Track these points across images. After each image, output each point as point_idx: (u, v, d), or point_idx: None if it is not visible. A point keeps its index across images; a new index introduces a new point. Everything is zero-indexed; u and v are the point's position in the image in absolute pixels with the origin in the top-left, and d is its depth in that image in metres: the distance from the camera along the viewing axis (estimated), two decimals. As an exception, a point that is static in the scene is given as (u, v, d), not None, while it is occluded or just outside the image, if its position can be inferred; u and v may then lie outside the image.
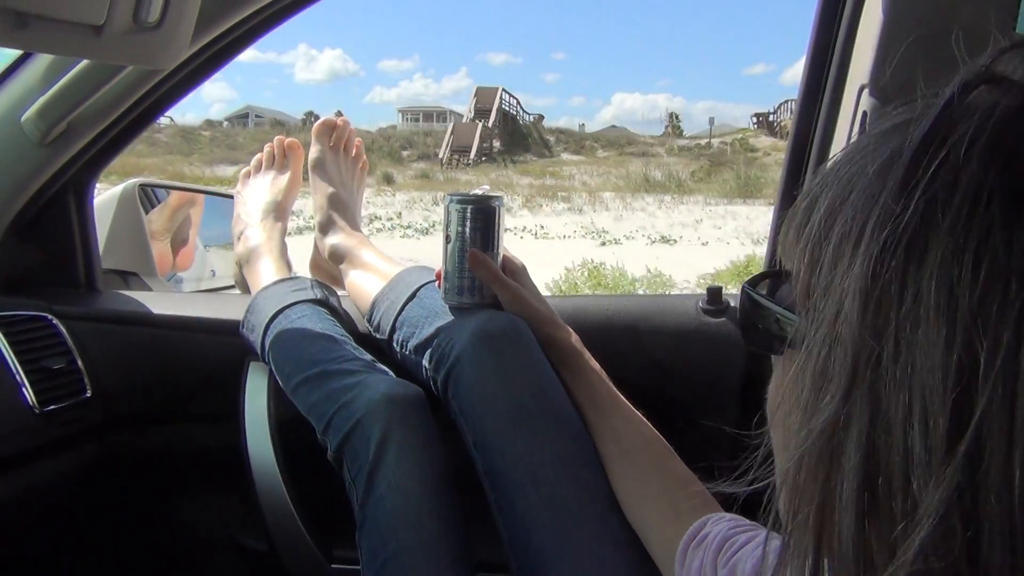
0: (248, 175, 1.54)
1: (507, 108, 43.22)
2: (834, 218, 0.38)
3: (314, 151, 1.48)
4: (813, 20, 1.22)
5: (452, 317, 1.13)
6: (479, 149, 36.68)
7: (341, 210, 1.45)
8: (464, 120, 42.49)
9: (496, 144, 39.12)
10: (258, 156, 1.54)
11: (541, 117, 48.61)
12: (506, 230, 1.18)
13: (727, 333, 1.30)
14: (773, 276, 0.47)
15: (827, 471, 0.36)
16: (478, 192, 1.15)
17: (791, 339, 0.41)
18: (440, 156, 35.99)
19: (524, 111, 46.61)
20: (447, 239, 1.14)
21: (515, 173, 31.77)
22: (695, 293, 1.42)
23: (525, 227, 17.53)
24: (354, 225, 1.45)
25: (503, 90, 42.82)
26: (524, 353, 1.07)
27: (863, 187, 0.37)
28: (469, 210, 1.13)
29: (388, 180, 28.96)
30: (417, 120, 51.95)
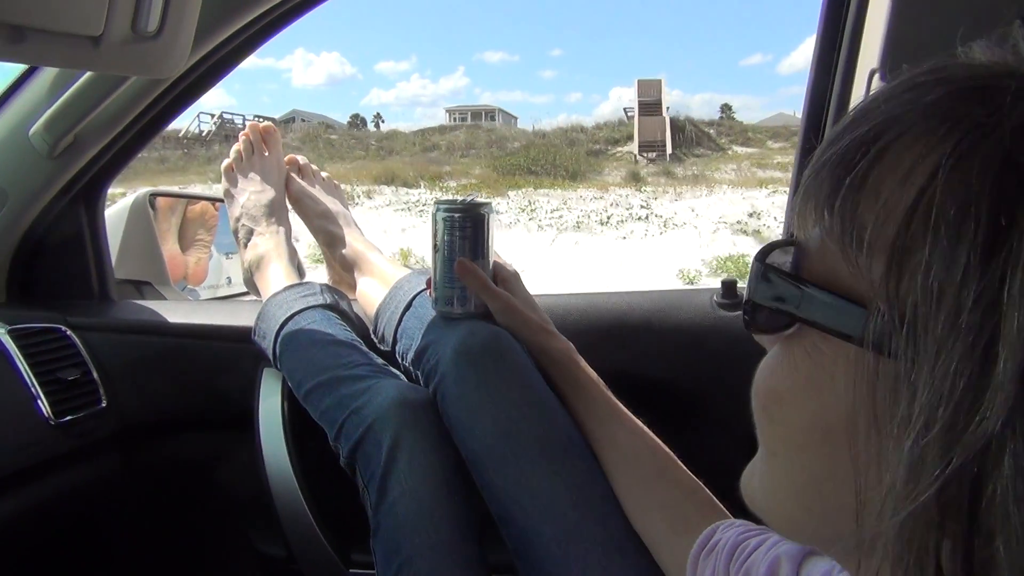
0: (231, 169, 1.53)
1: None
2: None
3: (291, 187, 1.52)
4: (821, 5, 1.20)
5: (440, 330, 1.12)
6: (662, 143, 33.63)
7: (334, 219, 1.48)
8: (629, 114, 40.36)
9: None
10: (236, 147, 1.53)
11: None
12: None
13: (743, 327, 1.29)
14: (784, 246, 0.42)
15: (974, 494, 0.31)
16: (467, 200, 1.13)
17: (869, 335, 0.35)
18: (635, 153, 33.24)
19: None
20: (435, 248, 1.12)
21: (726, 164, 29.84)
22: (709, 288, 1.40)
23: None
24: (350, 224, 1.48)
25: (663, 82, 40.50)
26: (507, 366, 1.05)
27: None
28: (457, 218, 1.10)
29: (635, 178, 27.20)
30: (465, 119, 50.32)
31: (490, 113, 51.83)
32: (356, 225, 1.50)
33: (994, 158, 0.32)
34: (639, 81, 42.07)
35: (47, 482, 1.24)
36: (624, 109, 47.10)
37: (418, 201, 20.47)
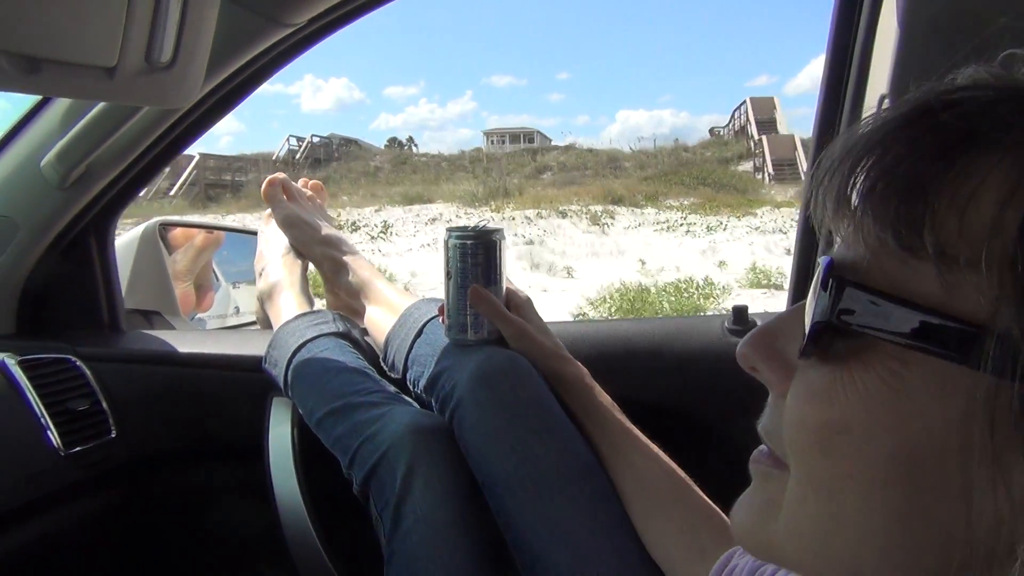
0: (272, 215, 1.54)
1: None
2: None
3: (278, 212, 1.50)
4: (829, 29, 1.21)
5: (455, 356, 1.12)
6: (792, 161, 32.30)
7: (337, 245, 1.46)
8: (726, 130, 39.57)
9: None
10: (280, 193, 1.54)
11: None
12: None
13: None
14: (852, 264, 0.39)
15: None
16: (478, 226, 1.13)
17: (987, 358, 0.33)
18: (766, 171, 32.31)
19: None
20: (448, 275, 1.13)
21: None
22: (720, 314, 1.40)
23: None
24: (353, 251, 1.47)
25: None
26: (525, 391, 1.05)
27: None
28: (469, 245, 1.11)
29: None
30: (504, 141, 49.13)
31: (528, 135, 50.77)
32: (357, 250, 1.50)
33: None
34: (752, 100, 40.82)
35: (56, 513, 1.24)
36: (711, 129, 46.98)
37: (666, 221, 19.70)
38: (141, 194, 1.54)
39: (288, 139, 31.62)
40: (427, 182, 28.30)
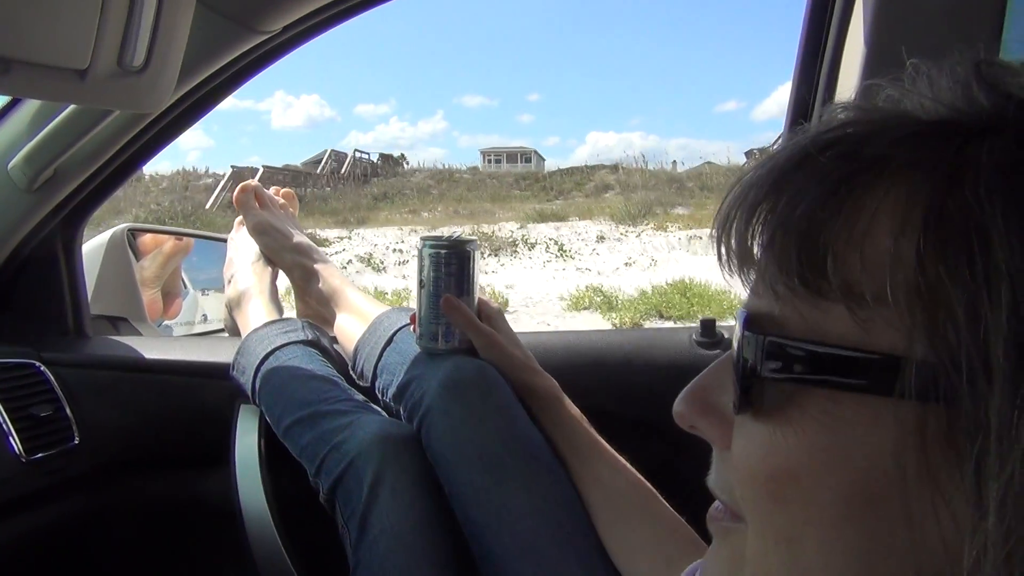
0: (243, 222, 1.54)
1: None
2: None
3: (249, 219, 1.49)
4: (798, 49, 1.22)
5: (425, 365, 1.12)
6: None
7: (308, 253, 1.46)
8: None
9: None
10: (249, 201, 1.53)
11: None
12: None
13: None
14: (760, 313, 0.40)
15: None
16: (452, 236, 1.14)
17: (910, 386, 0.34)
18: None
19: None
20: (420, 284, 1.13)
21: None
22: (688, 326, 1.41)
23: None
24: (324, 259, 1.47)
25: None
26: (493, 400, 1.05)
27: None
28: (442, 255, 1.11)
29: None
30: (500, 161, 48.07)
31: (525, 155, 49.90)
32: (328, 259, 1.49)
33: (987, 188, 0.34)
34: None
35: (17, 521, 1.22)
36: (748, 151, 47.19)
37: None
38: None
39: (329, 153, 30.78)
40: (498, 199, 27.62)
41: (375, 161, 33.10)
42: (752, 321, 0.40)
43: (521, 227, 18.63)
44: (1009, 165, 0.34)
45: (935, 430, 0.34)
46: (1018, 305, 0.32)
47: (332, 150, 31.04)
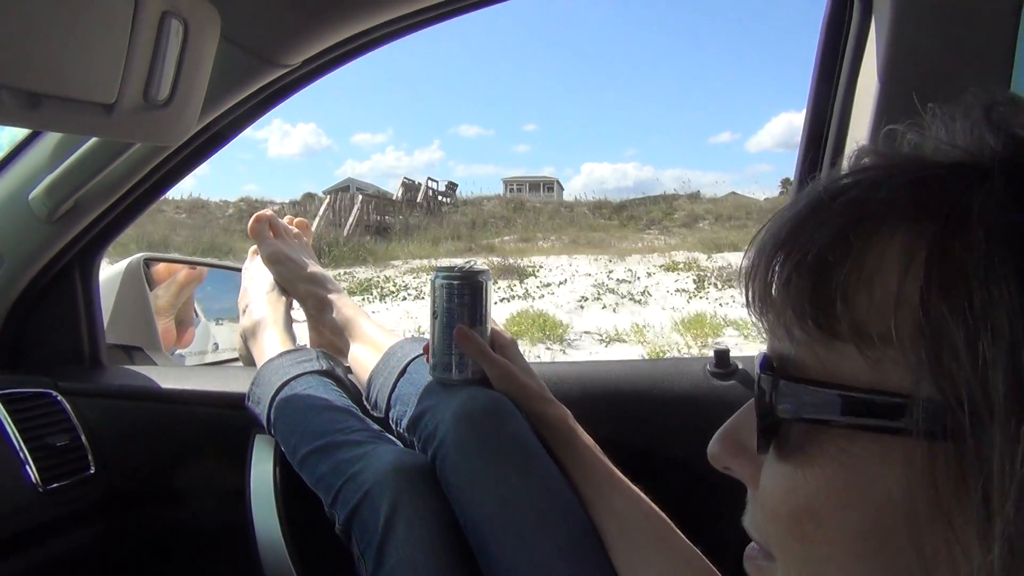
0: (257, 252, 1.55)
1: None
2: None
3: (264, 248, 1.50)
4: (811, 80, 1.23)
5: (438, 395, 1.12)
6: None
7: (322, 283, 1.47)
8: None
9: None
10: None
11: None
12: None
13: (737, 396, 1.30)
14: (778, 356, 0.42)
15: None
16: (465, 266, 1.15)
17: (919, 424, 0.35)
18: None
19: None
20: (434, 315, 1.14)
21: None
22: (702, 356, 1.41)
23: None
24: (338, 289, 1.47)
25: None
26: (507, 431, 1.05)
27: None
28: (456, 285, 1.12)
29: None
30: (522, 190, 47.04)
31: (548, 184, 49.51)
32: (341, 289, 1.50)
33: (986, 228, 0.35)
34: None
35: (33, 550, 1.22)
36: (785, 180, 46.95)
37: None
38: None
39: (404, 181, 30.39)
40: (596, 228, 26.15)
41: (442, 189, 32.73)
42: (770, 363, 0.41)
43: (709, 257, 16.71)
44: (1010, 204, 0.35)
45: (944, 468, 0.34)
46: (1017, 344, 0.32)
47: (404, 178, 30.72)
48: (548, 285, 13.51)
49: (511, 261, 15.88)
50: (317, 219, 23.15)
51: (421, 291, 12.90)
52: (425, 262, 16.59)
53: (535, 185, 48.94)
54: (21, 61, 0.74)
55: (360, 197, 25.16)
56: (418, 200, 29.07)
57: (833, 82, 1.19)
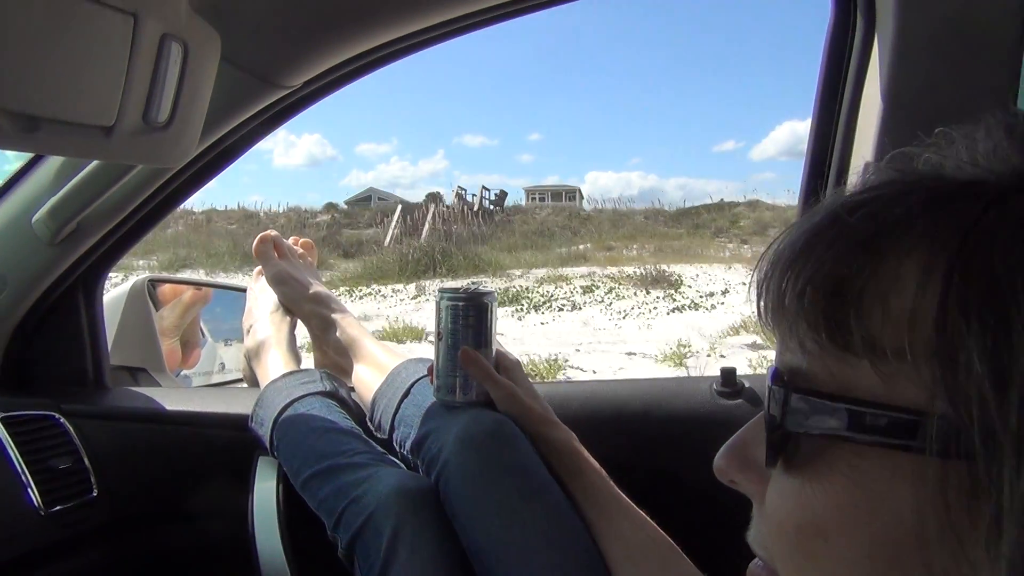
0: (262, 273, 1.55)
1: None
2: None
3: (268, 269, 1.50)
4: (815, 97, 1.23)
5: (442, 417, 1.12)
6: None
7: (326, 303, 1.46)
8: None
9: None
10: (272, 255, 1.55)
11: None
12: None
13: (743, 415, 1.28)
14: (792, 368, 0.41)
15: None
16: (470, 288, 1.14)
17: (931, 441, 0.34)
18: None
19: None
20: (438, 336, 1.13)
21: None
22: (709, 376, 1.40)
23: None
24: (343, 309, 1.47)
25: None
26: (511, 454, 1.05)
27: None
28: (461, 307, 1.12)
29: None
30: (544, 199, 45.49)
31: (570, 193, 47.61)
32: (346, 308, 1.50)
33: (1006, 248, 0.34)
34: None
35: (36, 574, 1.21)
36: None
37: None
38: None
39: (457, 189, 30.27)
40: (667, 237, 24.69)
41: (493, 198, 32.53)
42: (781, 376, 0.40)
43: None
44: None
45: (956, 487, 0.34)
46: None
47: (458, 187, 30.62)
48: (711, 295, 12.96)
49: (660, 268, 15.06)
50: (391, 228, 23.20)
51: (572, 300, 12.58)
52: (543, 272, 15.80)
53: (557, 194, 47.66)
54: (20, 84, 0.73)
55: (432, 207, 25.18)
56: (475, 209, 28.87)
57: (837, 99, 1.18)
